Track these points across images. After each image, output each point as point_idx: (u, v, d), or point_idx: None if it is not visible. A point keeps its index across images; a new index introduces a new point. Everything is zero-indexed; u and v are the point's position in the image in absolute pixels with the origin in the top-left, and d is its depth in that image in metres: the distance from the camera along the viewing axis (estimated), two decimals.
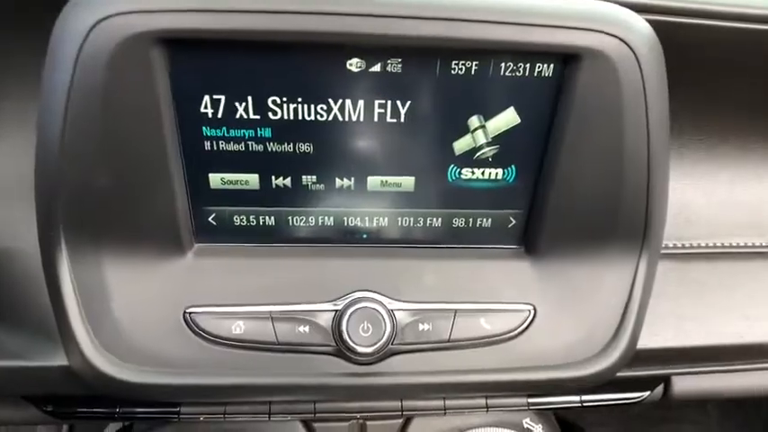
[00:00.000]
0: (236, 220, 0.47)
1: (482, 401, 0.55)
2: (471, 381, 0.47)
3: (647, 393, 0.60)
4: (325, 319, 0.45)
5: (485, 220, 0.49)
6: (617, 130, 0.43)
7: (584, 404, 0.58)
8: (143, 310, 0.45)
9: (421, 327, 0.46)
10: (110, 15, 0.36)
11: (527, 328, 0.48)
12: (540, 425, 0.59)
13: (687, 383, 0.59)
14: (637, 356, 0.50)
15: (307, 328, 0.45)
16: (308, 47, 0.39)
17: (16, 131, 0.50)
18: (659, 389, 0.60)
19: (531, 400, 0.57)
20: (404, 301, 0.47)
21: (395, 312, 0.46)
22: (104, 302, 0.44)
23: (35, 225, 0.44)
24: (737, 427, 1.14)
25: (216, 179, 0.45)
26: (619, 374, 0.50)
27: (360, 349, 0.44)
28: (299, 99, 0.41)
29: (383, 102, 0.42)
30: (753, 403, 1.11)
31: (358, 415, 0.56)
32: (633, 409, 1.15)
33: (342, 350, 0.45)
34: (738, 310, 0.55)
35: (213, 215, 0.47)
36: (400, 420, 0.58)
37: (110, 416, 0.53)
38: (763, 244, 0.58)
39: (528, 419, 0.59)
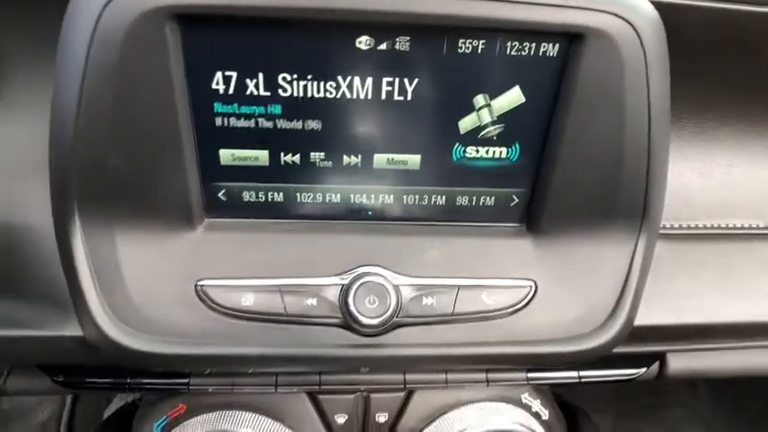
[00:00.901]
0: (246, 195, 0.48)
1: (482, 376, 0.57)
2: (473, 353, 0.48)
3: (644, 370, 0.61)
4: (333, 292, 0.47)
5: (488, 198, 0.50)
6: (619, 110, 0.44)
7: (582, 380, 0.59)
8: (155, 283, 0.46)
9: (425, 301, 0.48)
10: None
11: (528, 303, 0.49)
12: (537, 400, 0.61)
13: (682, 361, 0.60)
14: (634, 333, 0.51)
15: (314, 301, 0.46)
16: (319, 24, 0.40)
17: (26, 107, 0.51)
18: (655, 366, 0.61)
19: (530, 375, 0.58)
20: (408, 276, 0.48)
21: (399, 287, 0.47)
22: (117, 275, 0.46)
23: (46, 200, 0.45)
24: (729, 414, 1.17)
25: (226, 155, 0.46)
26: (616, 351, 0.51)
27: (366, 321, 0.46)
28: (309, 76, 0.42)
29: (391, 79, 0.43)
30: (744, 389, 1.13)
31: (362, 387, 0.57)
32: (627, 395, 1.18)
33: (348, 322, 0.46)
34: (735, 290, 0.56)
35: (223, 191, 0.48)
36: (403, 394, 0.59)
37: (120, 386, 0.54)
38: (761, 225, 0.59)
39: (526, 395, 0.61)
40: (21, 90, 0.51)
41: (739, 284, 0.57)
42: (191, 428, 0.55)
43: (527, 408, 0.60)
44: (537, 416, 0.61)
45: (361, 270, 0.47)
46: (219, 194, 0.48)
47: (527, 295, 0.49)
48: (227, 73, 0.42)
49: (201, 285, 0.46)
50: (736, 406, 1.15)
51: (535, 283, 0.49)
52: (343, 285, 0.47)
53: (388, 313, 0.46)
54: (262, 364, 0.49)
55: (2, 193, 0.49)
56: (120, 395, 1.21)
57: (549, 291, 0.49)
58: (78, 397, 1.17)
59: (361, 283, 0.46)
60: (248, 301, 0.46)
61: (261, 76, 0.42)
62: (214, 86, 0.42)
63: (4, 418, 1.11)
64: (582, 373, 0.59)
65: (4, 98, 0.50)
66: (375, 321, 0.46)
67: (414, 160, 0.47)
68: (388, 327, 0.47)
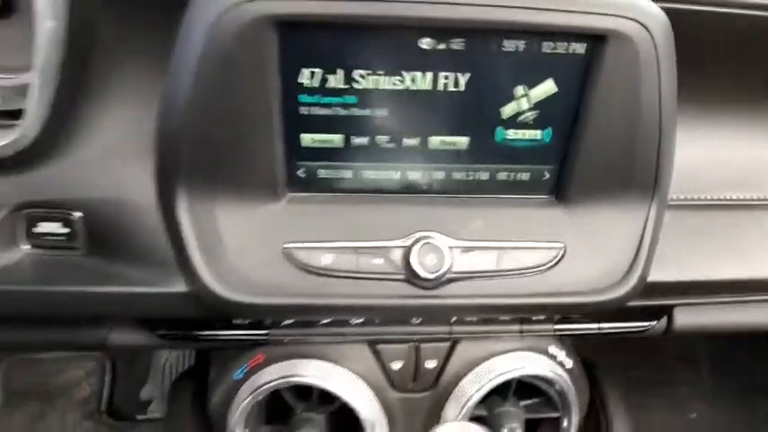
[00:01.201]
0: (321, 173, 0.56)
1: (517, 327, 0.66)
2: (512, 303, 0.57)
3: (654, 323, 0.70)
4: (397, 253, 0.55)
5: (524, 173, 0.58)
6: (635, 98, 0.52)
7: (602, 331, 0.68)
8: (248, 246, 0.55)
9: (472, 260, 0.56)
10: (239, 2, 0.45)
11: (558, 262, 0.58)
12: (563, 351, 0.70)
13: (687, 316, 0.69)
14: (647, 288, 0.60)
15: (382, 260, 0.55)
16: (389, 28, 0.48)
17: (131, 101, 0.56)
18: (663, 321, 0.70)
19: (557, 327, 0.67)
20: (458, 240, 0.57)
21: (452, 248, 0.56)
22: (217, 239, 0.54)
23: (144, 179, 0.53)
24: (728, 392, 1.25)
25: (307, 138, 0.54)
26: (630, 304, 0.60)
27: (425, 275, 0.54)
28: (380, 71, 0.51)
29: (447, 74, 0.51)
30: (743, 372, 1.22)
31: (414, 338, 0.67)
32: (637, 376, 1.27)
33: (409, 277, 0.55)
34: (736, 252, 0.64)
35: (303, 169, 0.56)
36: (449, 343, 0.68)
37: (212, 338, 0.64)
38: (760, 197, 0.66)
39: (552, 346, 0.70)
40: (126, 87, 0.56)
41: (741, 248, 0.64)
42: (268, 375, 0.64)
43: (553, 358, 0.70)
44: (562, 365, 0.70)
45: (419, 234, 0.56)
46: (299, 172, 0.56)
47: (557, 255, 0.58)
48: (312, 69, 0.50)
49: (287, 248, 0.55)
50: (735, 385, 1.25)
51: (564, 246, 0.58)
52: (405, 247, 0.56)
53: (443, 270, 0.55)
54: (337, 313, 0.58)
55: (110, 173, 0.57)
56: (155, 379, 1.31)
57: (575, 251, 0.58)
58: (117, 376, 1.26)
59: (421, 245, 0.55)
60: (327, 260, 0.55)
61: (340, 72, 0.50)
62: (300, 80, 0.51)
63: (48, 394, 1.18)
64: (601, 325, 0.68)
65: (109, 94, 0.58)
66: (432, 276, 0.55)
67: (463, 142, 0.56)
68: (443, 281, 0.56)
